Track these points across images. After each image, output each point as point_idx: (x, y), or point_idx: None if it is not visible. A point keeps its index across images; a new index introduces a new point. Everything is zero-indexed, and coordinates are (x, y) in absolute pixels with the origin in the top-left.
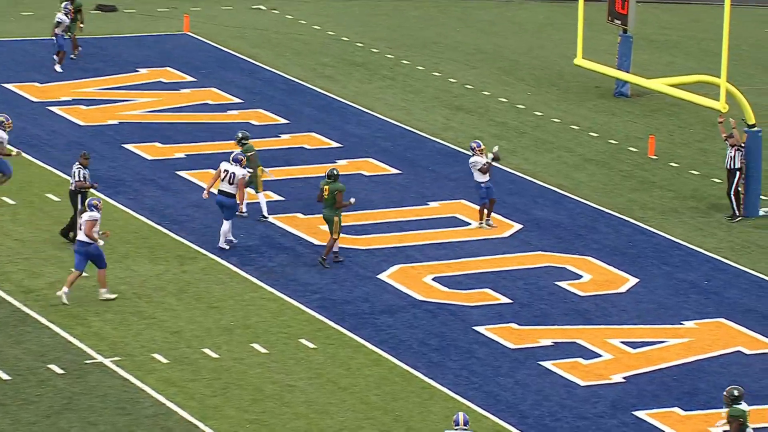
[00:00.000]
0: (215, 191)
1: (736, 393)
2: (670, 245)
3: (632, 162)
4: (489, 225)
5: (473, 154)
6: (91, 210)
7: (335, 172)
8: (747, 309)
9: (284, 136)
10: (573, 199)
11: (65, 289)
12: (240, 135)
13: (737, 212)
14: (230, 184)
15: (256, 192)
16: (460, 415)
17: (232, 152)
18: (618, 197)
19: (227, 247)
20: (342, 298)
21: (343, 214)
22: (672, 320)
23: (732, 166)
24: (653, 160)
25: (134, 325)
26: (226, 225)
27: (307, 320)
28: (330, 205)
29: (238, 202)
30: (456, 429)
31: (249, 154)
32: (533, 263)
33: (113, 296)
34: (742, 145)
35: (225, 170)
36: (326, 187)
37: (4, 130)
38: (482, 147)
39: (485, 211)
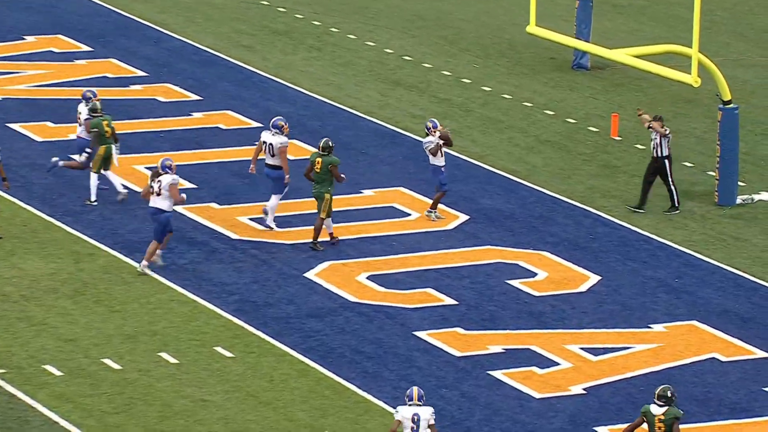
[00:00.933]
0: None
1: (658, 392)
2: (637, 238)
3: (593, 144)
4: (438, 217)
5: (428, 134)
6: (166, 171)
7: (330, 144)
8: (723, 310)
9: (196, 115)
10: (526, 186)
11: (145, 262)
12: (89, 105)
13: (677, 203)
14: (272, 156)
15: (98, 171)
16: (414, 389)
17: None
18: (577, 184)
19: (273, 226)
20: (263, 300)
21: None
22: (638, 323)
23: (660, 154)
24: (617, 141)
25: (22, 332)
26: (273, 200)
27: (224, 325)
28: (322, 181)
29: (285, 173)
30: (410, 405)
31: (93, 130)
32: (481, 259)
33: (162, 263)
34: (666, 133)
35: (264, 141)
36: (318, 160)
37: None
38: (439, 127)
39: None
